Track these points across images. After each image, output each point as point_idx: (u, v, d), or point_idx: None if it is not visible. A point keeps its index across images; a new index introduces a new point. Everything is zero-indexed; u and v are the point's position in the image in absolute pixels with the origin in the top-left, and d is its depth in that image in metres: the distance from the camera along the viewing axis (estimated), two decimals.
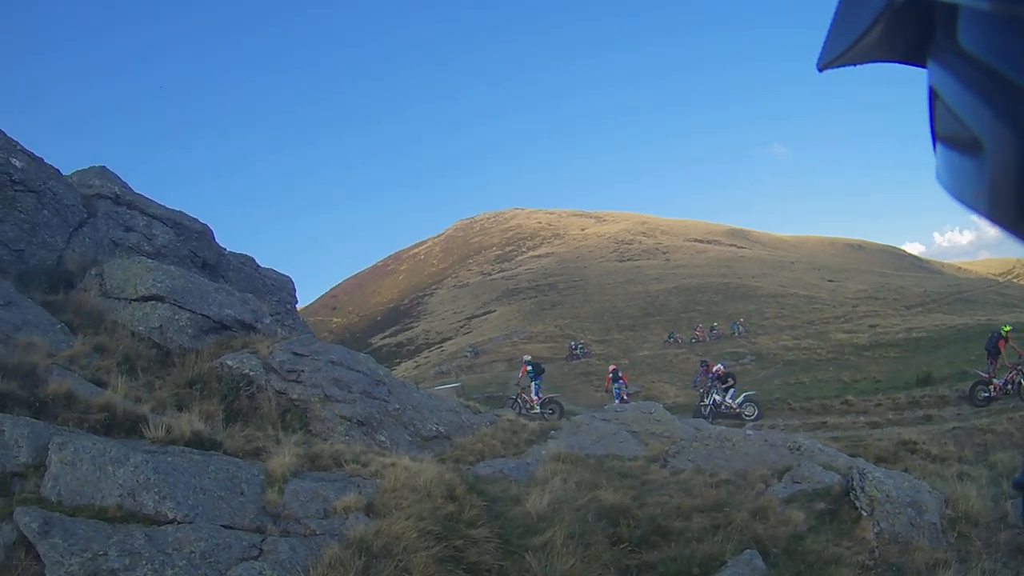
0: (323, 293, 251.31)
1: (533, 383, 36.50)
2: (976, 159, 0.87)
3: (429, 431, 18.85)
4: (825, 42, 1.10)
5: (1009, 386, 30.66)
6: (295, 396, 17.16)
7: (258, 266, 32.84)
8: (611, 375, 43.19)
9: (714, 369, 38.97)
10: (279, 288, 32.70)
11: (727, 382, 37.00)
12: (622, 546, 9.74)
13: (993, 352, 32.01)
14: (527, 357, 40.65)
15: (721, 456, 15.27)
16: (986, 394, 31.10)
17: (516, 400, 36.83)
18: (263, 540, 8.09)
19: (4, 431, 8.96)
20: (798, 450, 15.86)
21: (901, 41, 1.01)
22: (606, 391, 44.27)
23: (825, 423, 32.65)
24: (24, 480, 8.30)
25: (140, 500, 8.09)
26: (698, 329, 76.44)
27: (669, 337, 75.21)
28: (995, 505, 10.94)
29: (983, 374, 32.11)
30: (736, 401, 36.18)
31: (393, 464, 11.44)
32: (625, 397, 41.26)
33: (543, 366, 39.52)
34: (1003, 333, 32.15)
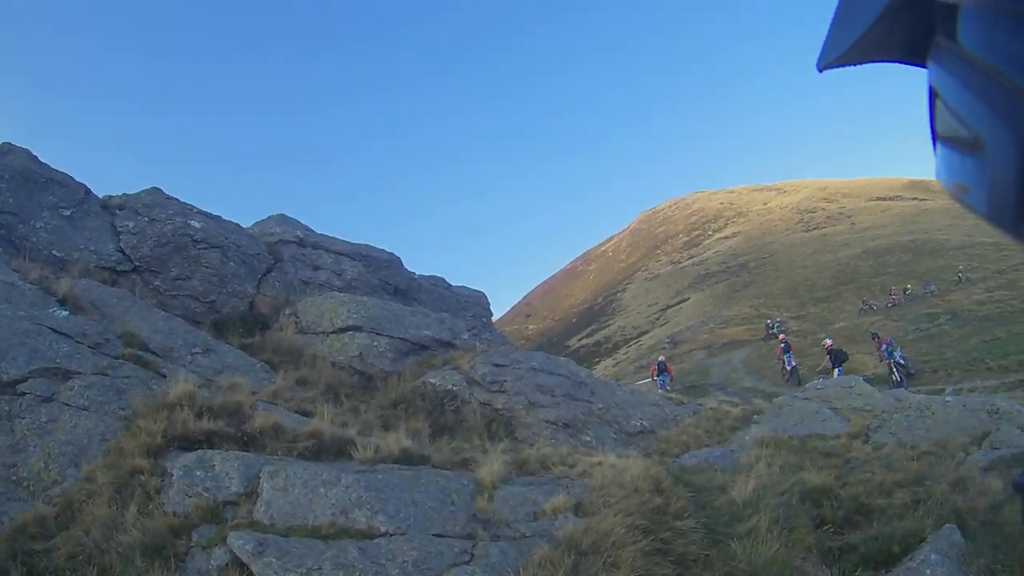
0: (516, 302, 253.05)
1: (658, 379, 41.44)
2: (976, 159, 0.89)
3: (633, 427, 19.14)
4: (825, 42, 1.12)
5: None
6: (499, 406, 17.70)
7: (449, 285, 33.60)
8: (657, 366, 44.16)
9: (887, 340, 39.45)
10: (473, 304, 33.38)
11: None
12: (825, 528, 9.77)
13: None
14: (660, 359, 46.12)
15: (921, 426, 15.38)
16: None
17: None
18: (474, 546, 8.19)
19: (215, 465, 9.39)
20: (996, 413, 15.65)
21: (901, 41, 1.02)
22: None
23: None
24: (236, 508, 8.66)
25: (353, 517, 8.36)
26: (893, 292, 74.51)
27: (864, 304, 73.86)
28: None
29: None
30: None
31: (599, 463, 11.53)
32: (793, 364, 43.68)
33: (665, 364, 43.85)
34: None
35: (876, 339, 43.17)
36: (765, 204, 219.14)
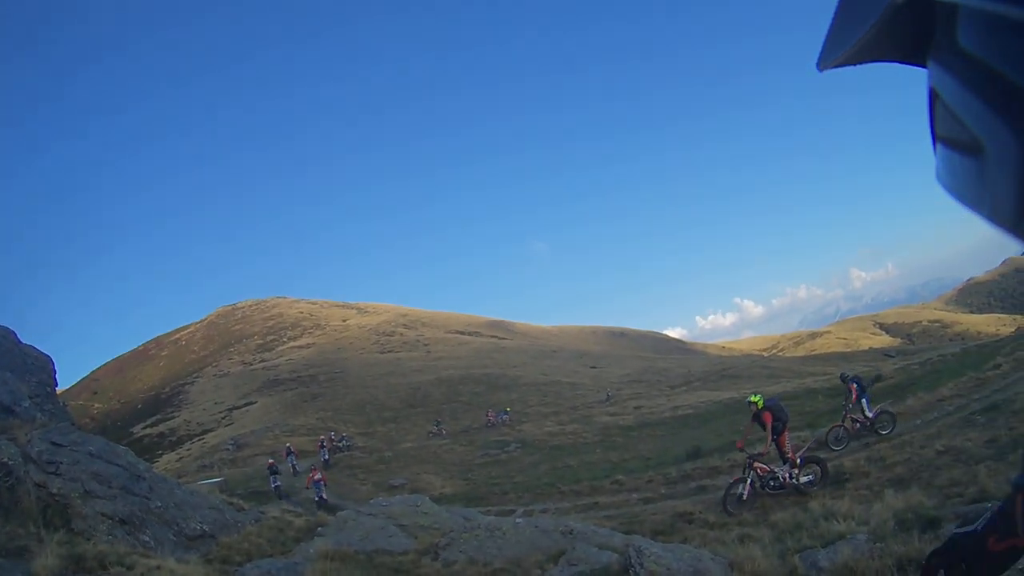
0: (84, 376, 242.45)
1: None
2: (976, 159, 0.90)
3: (193, 530, 18.43)
4: (825, 42, 1.11)
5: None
6: (55, 490, 16.45)
7: (19, 341, 31.00)
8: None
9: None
10: (39, 368, 30.81)
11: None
12: None
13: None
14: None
15: (493, 545, 15.28)
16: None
17: None
18: None
19: None
20: (571, 533, 15.85)
21: (901, 41, 1.01)
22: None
23: (597, 503, 31.88)
24: None
25: None
26: (489, 414, 76.39)
27: (434, 427, 75.41)
28: (782, 561, 11.11)
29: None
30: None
31: (159, 567, 11.28)
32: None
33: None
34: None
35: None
36: (344, 321, 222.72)
